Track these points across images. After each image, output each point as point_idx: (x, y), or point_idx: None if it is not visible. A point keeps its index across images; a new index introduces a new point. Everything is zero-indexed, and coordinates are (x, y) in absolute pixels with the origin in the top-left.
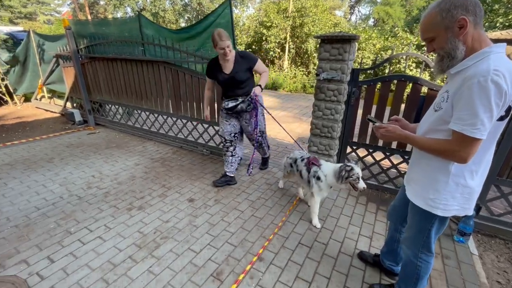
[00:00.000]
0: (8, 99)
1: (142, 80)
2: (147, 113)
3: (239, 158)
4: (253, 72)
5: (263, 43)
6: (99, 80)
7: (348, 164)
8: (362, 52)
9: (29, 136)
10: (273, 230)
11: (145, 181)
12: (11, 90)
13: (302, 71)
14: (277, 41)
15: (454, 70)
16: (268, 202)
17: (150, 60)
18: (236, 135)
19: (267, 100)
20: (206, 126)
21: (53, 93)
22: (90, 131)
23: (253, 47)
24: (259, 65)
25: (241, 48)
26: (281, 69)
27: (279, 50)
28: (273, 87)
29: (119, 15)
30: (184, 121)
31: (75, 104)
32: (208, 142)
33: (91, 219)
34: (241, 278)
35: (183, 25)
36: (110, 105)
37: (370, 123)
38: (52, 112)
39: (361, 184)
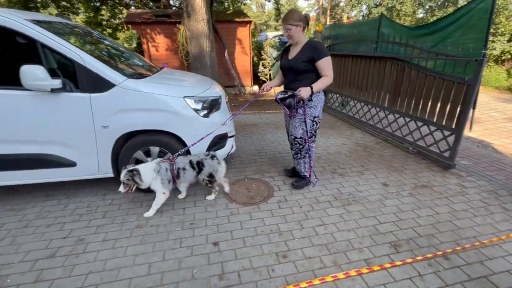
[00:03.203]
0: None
1: (366, 74)
2: (362, 104)
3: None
4: (316, 68)
5: None
6: None
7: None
8: None
9: (277, 109)
10: (472, 242)
11: (348, 158)
12: (272, 77)
13: None
14: None
15: None
16: (477, 219)
17: (379, 56)
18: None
19: (505, 107)
20: (420, 124)
21: None
22: None
23: None
24: (325, 63)
25: (501, 39)
26: None
27: None
28: None
29: (353, 13)
30: (397, 115)
31: None
32: (417, 141)
33: None
34: (419, 259)
35: (420, 16)
36: (332, 94)
37: None
38: None
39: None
